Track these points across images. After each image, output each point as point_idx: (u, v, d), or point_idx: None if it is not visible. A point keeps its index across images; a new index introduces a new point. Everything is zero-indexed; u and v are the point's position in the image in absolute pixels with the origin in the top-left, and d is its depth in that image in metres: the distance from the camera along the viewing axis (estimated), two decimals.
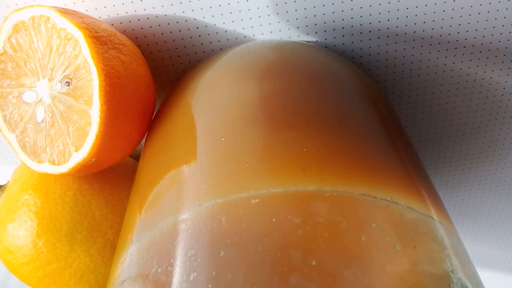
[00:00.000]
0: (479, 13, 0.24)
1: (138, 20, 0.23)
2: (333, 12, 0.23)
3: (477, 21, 0.24)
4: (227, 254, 0.12)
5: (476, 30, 0.24)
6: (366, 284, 0.11)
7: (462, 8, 0.23)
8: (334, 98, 0.18)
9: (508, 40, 0.25)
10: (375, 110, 0.19)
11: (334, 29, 0.24)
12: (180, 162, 0.17)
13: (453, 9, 0.23)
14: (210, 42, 0.24)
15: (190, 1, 0.23)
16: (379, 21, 0.24)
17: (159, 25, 0.24)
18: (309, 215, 0.13)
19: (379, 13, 0.23)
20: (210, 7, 0.23)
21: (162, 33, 0.24)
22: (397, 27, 0.24)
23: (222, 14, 0.23)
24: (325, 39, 0.24)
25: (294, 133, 0.16)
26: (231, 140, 0.16)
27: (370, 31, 0.24)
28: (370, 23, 0.24)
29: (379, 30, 0.24)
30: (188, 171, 0.16)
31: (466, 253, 0.15)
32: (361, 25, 0.24)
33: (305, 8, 0.23)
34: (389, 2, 0.23)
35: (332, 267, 0.11)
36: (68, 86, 0.19)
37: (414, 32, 0.24)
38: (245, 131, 0.16)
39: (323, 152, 0.15)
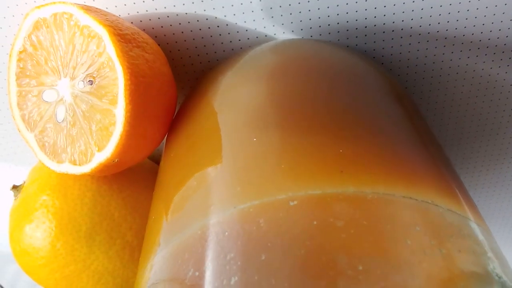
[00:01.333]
0: (503, 13, 0.23)
1: (158, 18, 0.23)
2: (356, 11, 0.23)
3: (501, 21, 0.24)
4: (269, 257, 0.12)
5: (499, 30, 0.24)
6: None
7: (486, 7, 0.23)
8: (364, 97, 0.18)
9: None
10: (405, 110, 0.19)
11: (356, 29, 0.24)
12: (209, 163, 0.16)
13: (477, 9, 0.23)
14: (231, 41, 0.24)
15: None
16: (402, 20, 0.23)
17: (179, 24, 0.23)
18: (351, 218, 0.12)
19: (403, 12, 0.23)
20: (232, 5, 0.23)
21: (182, 32, 0.24)
22: (420, 26, 0.24)
23: (243, 13, 0.23)
24: (347, 38, 0.24)
25: (328, 134, 0.15)
26: (263, 141, 0.16)
27: (393, 31, 0.24)
28: (393, 22, 0.23)
29: (402, 29, 0.24)
30: (218, 172, 0.16)
31: (504, 256, 0.15)
32: (384, 24, 0.24)
33: (327, 7, 0.23)
34: (413, 1, 0.23)
35: (380, 272, 0.11)
36: (91, 85, 0.19)
37: (437, 31, 0.24)
38: (277, 131, 0.16)
39: (360, 153, 0.15)
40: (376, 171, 0.14)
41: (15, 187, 0.24)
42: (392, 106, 0.19)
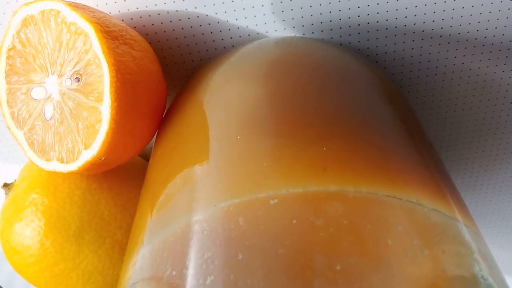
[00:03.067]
0: (499, 11, 0.23)
1: (149, 16, 0.23)
2: (349, 9, 0.23)
3: (497, 19, 0.23)
4: (246, 257, 0.12)
5: (495, 28, 0.24)
6: None
7: (482, 5, 0.23)
8: (353, 95, 0.17)
9: None
10: (395, 109, 0.18)
11: (349, 26, 0.23)
12: (194, 161, 0.16)
13: (472, 6, 0.23)
14: (222, 39, 0.24)
15: None
16: (396, 18, 0.23)
17: (170, 21, 0.23)
18: (331, 217, 0.12)
19: (396, 10, 0.23)
20: (223, 2, 0.22)
21: (173, 30, 0.23)
22: (414, 24, 0.23)
23: (234, 10, 0.23)
24: (340, 36, 0.24)
25: (313, 132, 0.15)
26: (247, 139, 0.15)
27: (386, 29, 0.23)
28: (386, 20, 0.23)
29: (396, 27, 0.23)
30: (202, 170, 0.15)
31: (493, 257, 0.15)
32: (377, 22, 0.23)
33: (320, 5, 0.23)
34: None
35: (358, 272, 0.11)
36: (78, 82, 0.19)
37: (432, 29, 0.24)
38: (261, 129, 0.16)
39: (344, 151, 0.14)
40: (359, 169, 0.14)
41: (6, 185, 0.24)
42: (382, 105, 0.18)
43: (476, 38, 0.24)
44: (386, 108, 0.18)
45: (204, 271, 0.12)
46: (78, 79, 0.19)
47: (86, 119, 0.19)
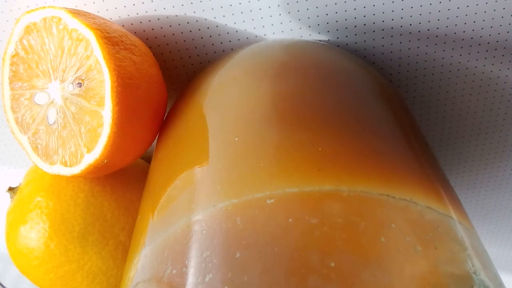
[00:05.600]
0: (494, 10, 0.23)
1: (149, 21, 0.23)
2: (345, 11, 0.23)
3: (492, 18, 0.24)
4: (243, 255, 0.12)
5: (491, 27, 0.24)
6: (386, 286, 0.11)
7: (477, 5, 0.23)
8: (348, 97, 0.18)
9: None
10: (391, 109, 0.19)
11: (346, 28, 0.24)
12: (193, 163, 0.17)
13: (467, 6, 0.23)
14: (221, 43, 0.24)
15: (201, 1, 0.23)
16: (392, 19, 0.23)
17: (170, 26, 0.24)
18: (326, 215, 0.13)
19: (392, 11, 0.23)
20: (221, 7, 0.23)
21: (173, 34, 0.24)
22: (410, 25, 0.24)
23: (233, 14, 0.23)
24: (337, 38, 0.24)
25: (308, 133, 0.15)
26: (244, 140, 0.16)
27: (383, 29, 0.24)
28: (383, 21, 0.23)
29: (392, 28, 0.24)
30: (201, 172, 0.16)
31: (487, 254, 0.15)
32: (373, 23, 0.24)
33: (316, 7, 0.23)
34: (402, 0, 0.23)
35: (351, 269, 0.11)
36: (80, 87, 0.19)
37: (428, 30, 0.24)
38: (258, 131, 0.16)
39: (339, 152, 0.15)
40: (354, 169, 0.14)
41: (11, 189, 0.24)
42: (378, 106, 0.19)
43: (471, 38, 0.24)
44: (382, 109, 0.18)
45: (203, 269, 0.12)
46: (80, 84, 0.19)
47: (89, 123, 0.19)
